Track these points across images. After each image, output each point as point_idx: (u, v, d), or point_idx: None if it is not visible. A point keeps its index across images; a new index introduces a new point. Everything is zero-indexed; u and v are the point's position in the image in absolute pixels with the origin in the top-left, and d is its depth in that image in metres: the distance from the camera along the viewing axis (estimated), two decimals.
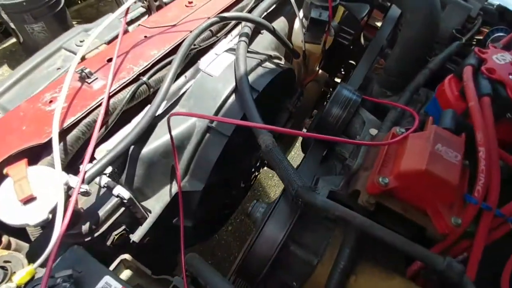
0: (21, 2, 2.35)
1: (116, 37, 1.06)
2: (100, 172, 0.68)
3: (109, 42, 1.05)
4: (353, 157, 0.70)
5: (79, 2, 3.56)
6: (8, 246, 0.73)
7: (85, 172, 0.64)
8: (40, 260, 0.55)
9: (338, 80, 1.76)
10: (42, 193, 0.58)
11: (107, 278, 0.58)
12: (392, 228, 0.58)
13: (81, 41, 1.06)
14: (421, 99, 0.95)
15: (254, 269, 0.66)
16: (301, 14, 1.11)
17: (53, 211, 0.57)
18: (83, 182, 0.62)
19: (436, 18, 0.85)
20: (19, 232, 0.75)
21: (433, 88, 0.99)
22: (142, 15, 1.23)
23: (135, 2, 1.17)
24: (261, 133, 0.73)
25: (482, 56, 0.73)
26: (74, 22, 3.11)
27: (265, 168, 1.52)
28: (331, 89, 1.62)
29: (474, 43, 1.14)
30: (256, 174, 1.40)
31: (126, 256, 0.83)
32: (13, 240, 0.76)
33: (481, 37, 1.19)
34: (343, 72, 1.74)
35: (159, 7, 1.18)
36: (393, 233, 0.55)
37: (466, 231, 0.60)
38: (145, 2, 1.16)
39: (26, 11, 2.42)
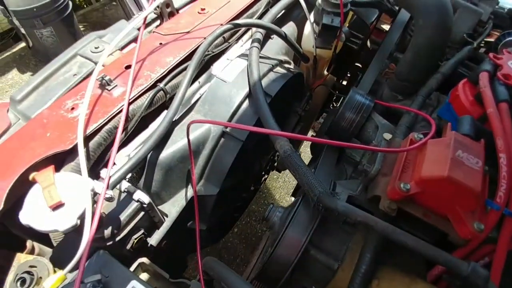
0: (32, 8, 2.40)
1: (129, 43, 1.08)
2: (122, 179, 0.70)
3: (122, 48, 1.07)
4: (370, 162, 0.71)
5: (85, 6, 3.60)
6: (32, 251, 0.75)
7: (109, 178, 0.66)
8: (70, 266, 0.57)
9: (344, 83, 1.77)
10: (70, 199, 0.60)
11: (134, 283, 0.59)
12: (412, 233, 0.58)
13: (96, 48, 1.07)
14: (433, 103, 0.96)
15: (276, 273, 0.67)
16: (311, 18, 1.12)
17: (81, 217, 0.59)
18: (108, 188, 0.64)
19: (449, 23, 0.86)
20: (42, 237, 0.76)
21: (444, 92, 1.00)
22: (153, 21, 1.24)
23: (154, 10, 1.18)
24: (278, 138, 0.75)
25: (497, 62, 0.74)
26: (80, 26, 3.15)
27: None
28: (337, 92, 1.63)
29: (482, 45, 1.16)
30: (266, 176, 1.41)
31: (144, 259, 0.85)
32: (36, 245, 0.78)
33: (491, 39, 1.20)
34: (349, 75, 1.76)
35: (171, 14, 1.20)
36: (416, 238, 0.56)
37: (488, 236, 0.60)
38: (157, 8, 1.18)
39: (36, 17, 2.47)
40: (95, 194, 0.63)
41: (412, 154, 0.66)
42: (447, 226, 0.60)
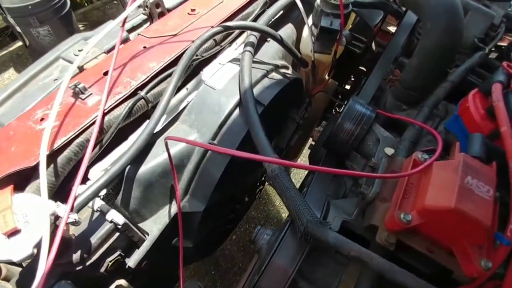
0: (27, 6, 2.34)
1: (113, 47, 1.02)
2: (92, 198, 0.63)
3: (108, 51, 1.00)
4: (368, 183, 0.64)
5: (85, 5, 3.55)
6: None
7: (75, 199, 0.59)
8: None
9: (347, 87, 1.69)
10: (27, 225, 0.53)
11: None
12: (412, 265, 0.51)
13: (79, 50, 1.01)
14: (440, 114, 0.88)
15: None
16: (310, 21, 1.04)
17: (38, 245, 0.52)
18: (72, 210, 0.57)
19: (459, 26, 0.77)
20: None
21: (452, 101, 0.92)
22: (144, 22, 1.18)
23: (137, 8, 1.12)
24: (267, 156, 0.67)
25: (511, 71, 0.66)
26: (80, 25, 3.10)
27: None
28: (339, 97, 1.55)
29: (493, 49, 1.07)
30: (261, 187, 1.34)
31: (122, 281, 0.78)
32: (3, 266, 0.71)
33: (503, 44, 1.11)
34: (352, 79, 1.67)
35: (161, 14, 1.13)
36: (417, 279, 0.49)
37: (495, 272, 0.53)
38: (146, 9, 1.11)
39: (31, 15, 2.41)
40: (57, 218, 0.56)
41: (415, 177, 0.58)
42: (451, 262, 0.53)
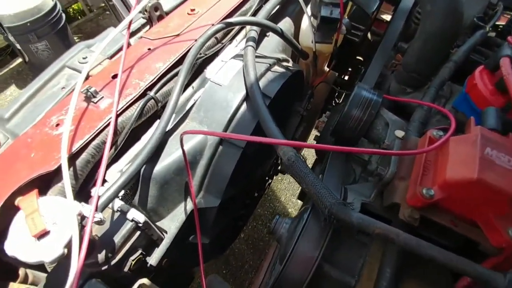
0: (25, 23, 2.40)
1: (118, 51, 1.03)
2: (113, 198, 0.65)
3: (111, 57, 1.02)
4: (383, 164, 0.64)
5: (79, 17, 3.57)
6: (25, 280, 0.71)
7: (98, 199, 0.60)
8: None
9: (346, 78, 1.70)
10: (56, 226, 0.54)
11: None
12: (437, 240, 0.52)
13: (84, 58, 1.02)
14: (446, 94, 0.89)
15: None
16: (308, 12, 1.06)
17: (68, 245, 0.53)
18: (96, 210, 0.59)
19: (459, 7, 0.78)
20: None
21: (456, 81, 0.93)
22: (143, 26, 1.19)
23: (142, 14, 1.13)
24: (280, 143, 0.68)
25: None
26: (75, 37, 3.12)
27: None
28: (339, 88, 1.56)
29: (491, 29, 1.08)
30: (270, 181, 1.35)
31: (145, 280, 0.80)
32: (30, 272, 0.73)
33: (501, 23, 1.13)
34: (350, 70, 1.69)
35: (160, 17, 1.14)
36: (444, 251, 0.49)
37: None
38: (145, 13, 1.12)
39: (30, 31, 2.47)
40: (83, 218, 0.57)
41: (432, 154, 0.59)
42: (477, 234, 0.53)
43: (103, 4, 3.52)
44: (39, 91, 1.00)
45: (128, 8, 2.50)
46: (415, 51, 0.86)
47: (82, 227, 0.57)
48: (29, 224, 0.54)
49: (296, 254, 0.60)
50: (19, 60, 3.00)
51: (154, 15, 1.14)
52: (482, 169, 0.48)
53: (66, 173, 0.58)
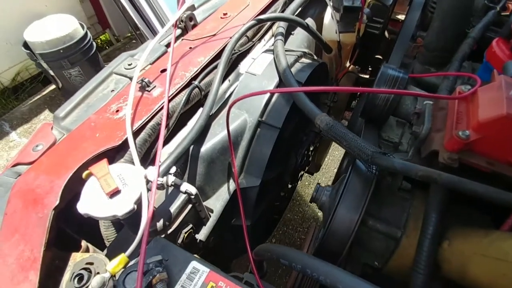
0: (58, 50, 2.59)
1: (158, 58, 1.15)
2: (170, 167, 0.71)
3: (152, 63, 1.13)
4: (418, 123, 0.68)
5: (107, 48, 3.88)
6: (87, 250, 0.76)
7: (159, 166, 0.67)
8: (131, 249, 0.57)
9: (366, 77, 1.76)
10: (126, 186, 0.61)
11: (194, 263, 0.58)
12: None
13: (129, 65, 1.14)
14: (467, 71, 0.93)
15: (334, 250, 0.64)
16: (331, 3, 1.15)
17: (138, 201, 0.60)
18: (158, 175, 0.65)
19: None
20: (95, 237, 0.78)
21: (475, 61, 0.97)
22: (179, 36, 1.32)
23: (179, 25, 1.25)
24: (317, 113, 0.74)
25: None
26: (106, 65, 3.37)
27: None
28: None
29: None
30: (302, 172, 1.39)
31: (195, 256, 0.84)
32: (91, 247, 0.79)
33: (506, 13, 1.17)
34: (370, 69, 1.75)
35: (194, 26, 1.27)
36: (486, 186, 0.52)
37: None
38: (181, 23, 1.25)
39: (63, 58, 2.66)
40: (147, 182, 0.64)
41: (463, 105, 0.63)
42: None
43: (129, 34, 3.83)
44: (90, 94, 1.11)
45: (156, 34, 2.70)
46: (435, 30, 0.92)
47: (147, 190, 0.63)
48: (103, 184, 0.60)
49: (340, 210, 0.63)
50: (51, 87, 3.23)
51: (189, 24, 1.26)
52: (510, 107, 0.52)
53: (132, 141, 0.66)
